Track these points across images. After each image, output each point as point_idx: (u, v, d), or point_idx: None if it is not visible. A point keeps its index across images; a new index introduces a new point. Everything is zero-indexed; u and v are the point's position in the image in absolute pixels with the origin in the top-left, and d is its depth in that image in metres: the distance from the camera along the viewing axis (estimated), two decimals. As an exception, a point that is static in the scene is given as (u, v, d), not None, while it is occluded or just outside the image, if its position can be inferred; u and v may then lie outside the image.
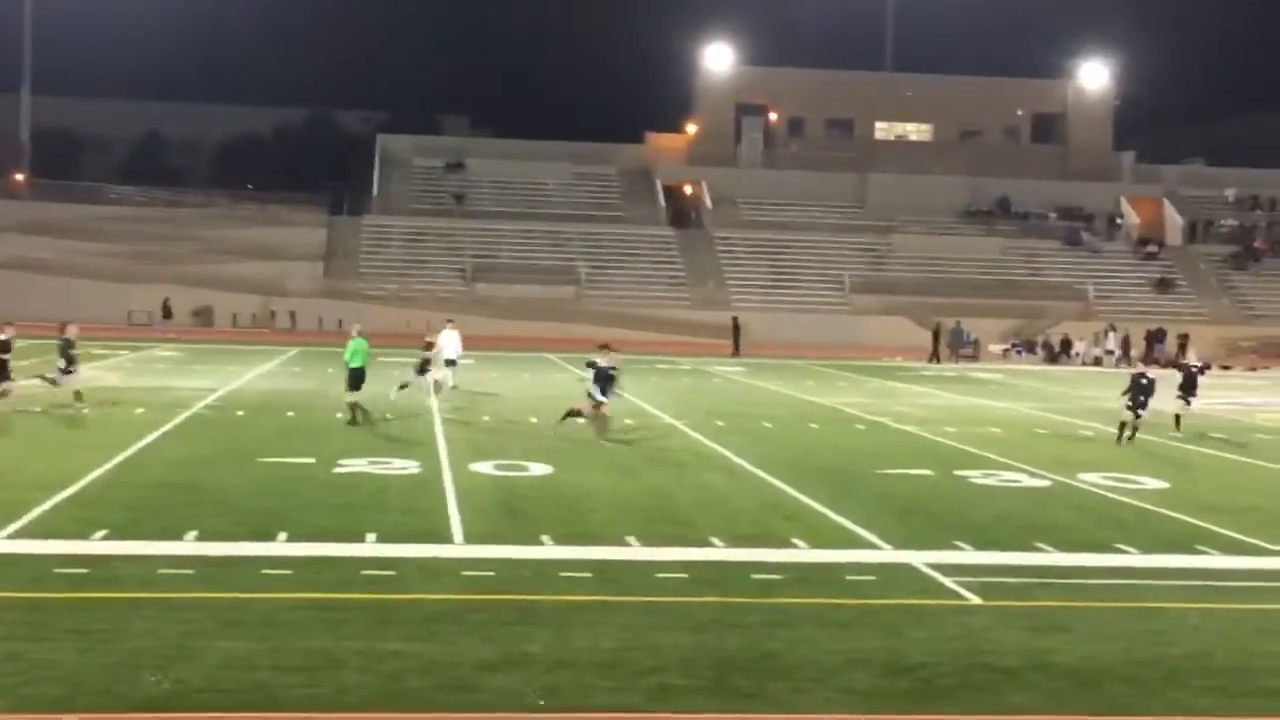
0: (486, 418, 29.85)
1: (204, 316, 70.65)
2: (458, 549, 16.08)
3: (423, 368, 32.12)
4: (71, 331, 29.32)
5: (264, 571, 14.37)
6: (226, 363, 45.25)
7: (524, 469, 22.46)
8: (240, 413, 30.02)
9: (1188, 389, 31.58)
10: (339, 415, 29.12)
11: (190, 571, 14.31)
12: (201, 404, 31.29)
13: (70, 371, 28.88)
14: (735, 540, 16.94)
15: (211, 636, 11.87)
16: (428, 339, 32.90)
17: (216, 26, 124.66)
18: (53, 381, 28.99)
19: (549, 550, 16.09)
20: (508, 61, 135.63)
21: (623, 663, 11.48)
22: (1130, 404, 28.97)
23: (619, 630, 12.47)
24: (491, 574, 14.65)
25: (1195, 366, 32.42)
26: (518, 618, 12.82)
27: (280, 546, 15.73)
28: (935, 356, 61.74)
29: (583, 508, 19.04)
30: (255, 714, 10.04)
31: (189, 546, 15.58)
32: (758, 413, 33.52)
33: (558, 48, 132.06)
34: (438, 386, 32.81)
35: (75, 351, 29.27)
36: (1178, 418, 31.34)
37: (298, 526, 16.82)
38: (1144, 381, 29.13)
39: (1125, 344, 66.15)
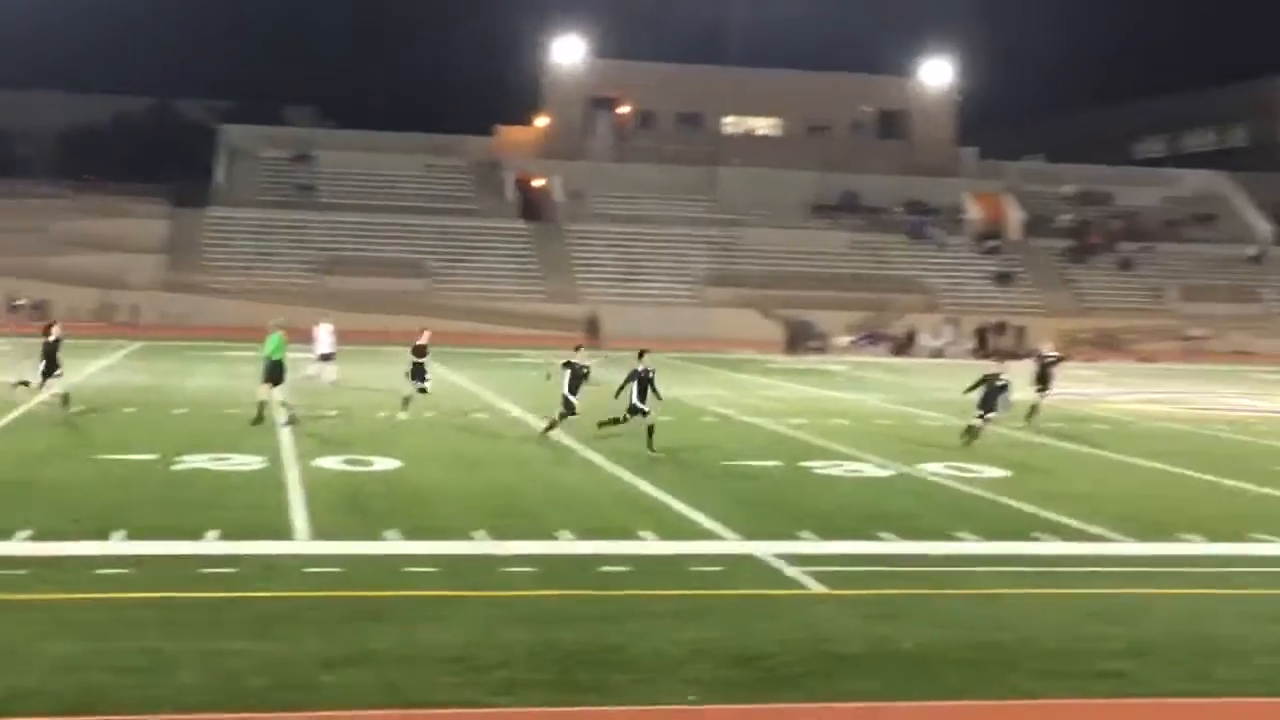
0: (334, 412, 29.45)
1: (41, 310, 68.59)
2: (301, 545, 15.86)
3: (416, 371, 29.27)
4: None
5: (100, 571, 14.03)
6: (65, 357, 43.87)
7: (370, 464, 22.23)
8: (78, 409, 29.24)
9: (1044, 380, 32.09)
10: (180, 411, 28.48)
11: (24, 571, 13.92)
12: (37, 400, 30.41)
13: None
14: (583, 533, 16.95)
15: (45, 638, 11.56)
16: (419, 343, 30.26)
17: (52, 11, 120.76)
18: None
19: (395, 545, 15.94)
20: (355, 52, 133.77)
21: (468, 658, 11.42)
22: (980, 408, 27.38)
23: (465, 625, 12.41)
24: (336, 570, 14.48)
25: (1050, 358, 32.96)
26: (362, 614, 12.69)
27: (117, 545, 15.37)
28: (791, 349, 62.60)
29: (430, 502, 18.92)
30: (89, 718, 9.80)
31: (22, 546, 15.15)
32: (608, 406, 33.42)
33: (406, 39, 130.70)
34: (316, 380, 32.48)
35: None
36: (1034, 408, 31.38)
37: (136, 524, 16.44)
38: (998, 384, 27.39)
39: (981, 336, 67.82)
